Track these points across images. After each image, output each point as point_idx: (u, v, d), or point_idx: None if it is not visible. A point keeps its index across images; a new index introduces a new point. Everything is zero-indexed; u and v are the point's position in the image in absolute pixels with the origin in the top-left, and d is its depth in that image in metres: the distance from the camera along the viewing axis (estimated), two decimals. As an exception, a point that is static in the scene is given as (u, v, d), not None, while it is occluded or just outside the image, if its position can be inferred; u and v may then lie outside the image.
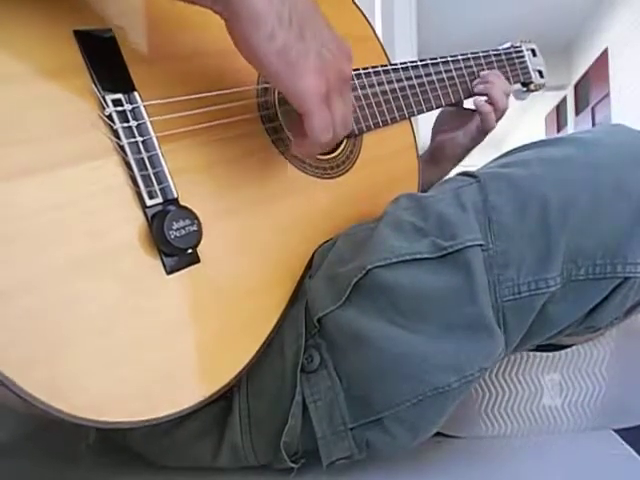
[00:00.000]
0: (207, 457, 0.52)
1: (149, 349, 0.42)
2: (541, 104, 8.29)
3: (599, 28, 6.00)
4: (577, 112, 7.04)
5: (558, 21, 6.08)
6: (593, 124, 6.35)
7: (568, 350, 0.63)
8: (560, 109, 7.78)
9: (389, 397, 0.47)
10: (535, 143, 0.55)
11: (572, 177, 0.48)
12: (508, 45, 0.88)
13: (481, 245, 0.47)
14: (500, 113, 0.80)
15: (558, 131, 7.75)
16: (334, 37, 0.47)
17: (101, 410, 0.39)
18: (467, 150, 0.83)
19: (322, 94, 0.45)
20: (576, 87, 7.01)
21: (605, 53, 5.84)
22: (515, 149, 0.56)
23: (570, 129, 7.13)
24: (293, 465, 0.50)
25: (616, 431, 0.61)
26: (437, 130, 0.84)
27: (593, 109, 6.46)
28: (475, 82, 0.80)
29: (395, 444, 0.48)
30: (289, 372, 0.49)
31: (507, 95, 0.81)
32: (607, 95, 5.86)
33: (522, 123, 9.55)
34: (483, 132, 0.80)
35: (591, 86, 6.47)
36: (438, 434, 0.54)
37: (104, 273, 0.41)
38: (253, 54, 0.43)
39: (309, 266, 0.55)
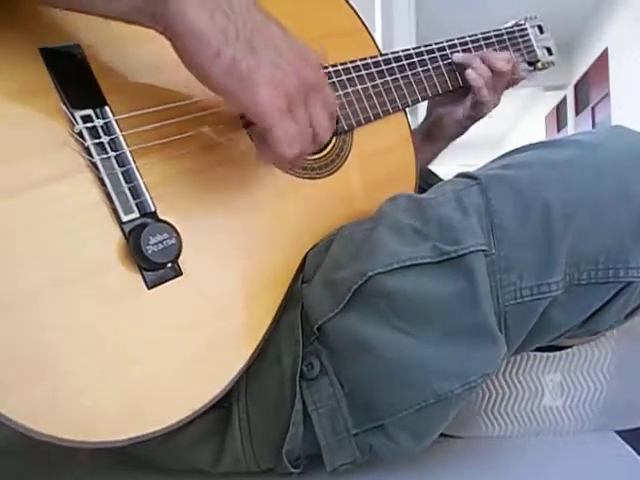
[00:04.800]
0: (208, 462, 0.51)
1: (133, 366, 0.42)
2: (541, 104, 8.29)
3: (599, 28, 5.98)
4: (577, 112, 7.02)
5: (558, 21, 6.02)
6: (593, 124, 6.34)
7: (569, 350, 0.63)
8: (560, 109, 7.76)
9: (391, 403, 0.47)
10: (535, 144, 0.55)
11: (574, 181, 0.48)
12: (512, 23, 0.85)
13: (484, 250, 0.47)
14: (496, 82, 0.75)
15: (558, 131, 7.74)
16: (291, 45, 0.44)
17: (86, 430, 0.39)
18: (464, 127, 0.80)
19: (281, 106, 0.42)
20: (576, 87, 7.00)
21: (605, 53, 5.83)
22: (515, 150, 0.55)
23: (570, 129, 7.11)
24: (295, 470, 0.49)
25: (618, 432, 0.60)
26: (434, 103, 0.81)
27: (593, 109, 6.45)
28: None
29: (398, 449, 0.48)
30: (288, 380, 0.49)
31: (507, 62, 0.75)
32: (607, 95, 5.85)
33: (522, 123, 9.54)
34: (478, 107, 0.76)
35: (591, 86, 6.45)
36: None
37: (84, 292, 0.41)
38: (201, 74, 0.40)
39: (300, 269, 0.54)
